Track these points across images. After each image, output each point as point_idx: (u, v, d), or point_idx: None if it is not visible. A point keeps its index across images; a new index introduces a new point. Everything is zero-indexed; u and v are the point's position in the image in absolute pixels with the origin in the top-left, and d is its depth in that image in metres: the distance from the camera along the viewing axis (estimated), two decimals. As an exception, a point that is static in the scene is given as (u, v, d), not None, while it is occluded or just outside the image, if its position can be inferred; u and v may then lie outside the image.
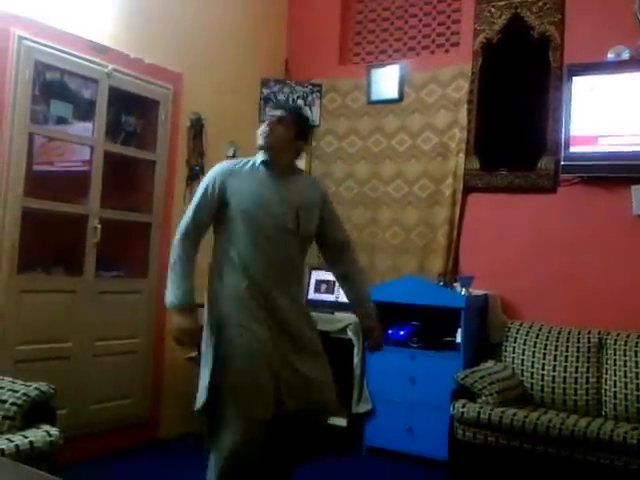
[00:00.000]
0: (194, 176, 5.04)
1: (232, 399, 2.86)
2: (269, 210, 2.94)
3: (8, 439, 2.89)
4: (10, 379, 3.27)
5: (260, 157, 3.05)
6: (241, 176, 3.01)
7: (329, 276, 5.17)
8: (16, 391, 3.11)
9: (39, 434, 3.00)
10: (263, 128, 3.05)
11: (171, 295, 2.95)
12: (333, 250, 3.23)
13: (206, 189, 3.00)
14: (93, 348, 4.36)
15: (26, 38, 3.94)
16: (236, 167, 3.07)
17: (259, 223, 2.92)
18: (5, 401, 3.06)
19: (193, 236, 3.00)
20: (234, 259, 2.94)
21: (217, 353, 2.90)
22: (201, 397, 2.89)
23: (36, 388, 3.16)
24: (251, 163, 3.06)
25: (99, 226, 4.33)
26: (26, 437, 2.94)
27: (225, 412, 2.86)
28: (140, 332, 4.68)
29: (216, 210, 3.00)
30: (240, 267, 2.93)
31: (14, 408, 3.04)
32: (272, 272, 2.94)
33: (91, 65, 4.32)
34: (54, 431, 3.06)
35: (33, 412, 3.11)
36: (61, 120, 4.37)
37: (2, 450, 2.78)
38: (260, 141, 3.04)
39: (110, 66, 4.39)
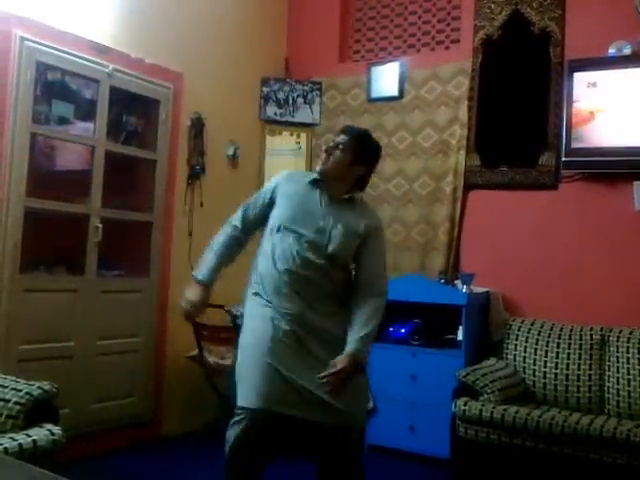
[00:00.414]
0: (195, 175, 5.08)
1: (238, 385, 2.90)
2: (305, 223, 2.92)
3: (11, 438, 2.90)
4: (13, 378, 3.27)
5: (313, 176, 3.05)
6: (294, 185, 3.03)
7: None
8: (19, 390, 3.12)
9: (42, 433, 3.01)
10: (322, 154, 3.04)
11: (197, 268, 3.09)
12: (358, 289, 3.01)
13: (263, 189, 3.13)
14: (95, 347, 4.38)
15: (28, 39, 3.96)
16: (295, 177, 3.12)
17: (292, 234, 2.92)
18: (8, 400, 3.07)
19: (238, 226, 3.09)
20: (257, 268, 3.00)
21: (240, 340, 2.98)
22: None
23: (39, 387, 3.16)
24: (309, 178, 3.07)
25: (100, 225, 4.36)
26: (29, 436, 2.95)
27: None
28: (141, 331, 4.70)
29: (264, 212, 3.06)
30: (259, 275, 2.97)
31: (17, 407, 3.05)
32: (288, 285, 2.89)
33: (92, 65, 4.34)
34: (57, 430, 3.07)
35: (36, 411, 3.11)
36: (63, 120, 4.39)
37: (6, 449, 2.79)
38: (317, 167, 3.04)
39: (111, 66, 4.41)
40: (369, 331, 2.92)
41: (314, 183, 3.01)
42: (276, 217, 2.98)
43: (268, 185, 3.12)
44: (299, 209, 2.96)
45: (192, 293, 3.03)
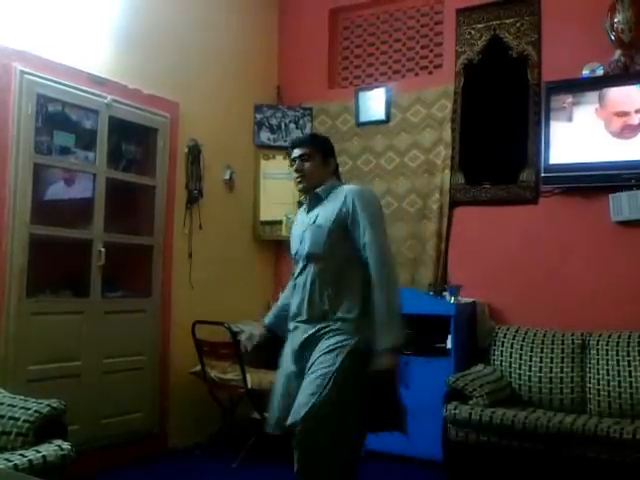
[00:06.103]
0: (193, 200, 5.17)
1: None
2: (296, 242, 3.14)
3: (21, 454, 2.94)
4: (22, 397, 3.29)
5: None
6: (297, 220, 3.29)
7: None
8: (28, 408, 3.16)
9: (51, 448, 3.05)
10: (295, 176, 3.12)
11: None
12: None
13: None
14: (102, 366, 4.45)
15: (28, 72, 4.04)
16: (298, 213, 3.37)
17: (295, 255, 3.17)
18: (18, 418, 3.11)
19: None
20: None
21: None
22: None
23: (47, 405, 3.20)
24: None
25: (103, 250, 4.44)
26: (39, 452, 2.99)
27: None
28: (146, 349, 4.77)
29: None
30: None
31: (26, 425, 3.08)
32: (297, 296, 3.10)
33: (91, 97, 4.43)
34: (66, 445, 3.11)
35: (45, 428, 3.15)
36: (64, 150, 4.43)
37: (16, 465, 2.82)
38: (298, 189, 3.18)
39: (109, 97, 4.51)
40: (384, 318, 2.82)
41: (300, 204, 3.22)
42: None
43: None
44: (295, 235, 3.17)
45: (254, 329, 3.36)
